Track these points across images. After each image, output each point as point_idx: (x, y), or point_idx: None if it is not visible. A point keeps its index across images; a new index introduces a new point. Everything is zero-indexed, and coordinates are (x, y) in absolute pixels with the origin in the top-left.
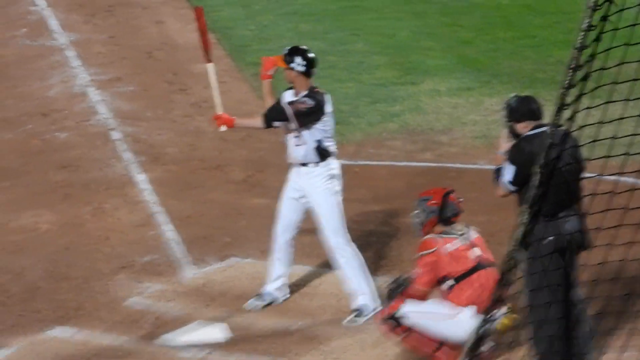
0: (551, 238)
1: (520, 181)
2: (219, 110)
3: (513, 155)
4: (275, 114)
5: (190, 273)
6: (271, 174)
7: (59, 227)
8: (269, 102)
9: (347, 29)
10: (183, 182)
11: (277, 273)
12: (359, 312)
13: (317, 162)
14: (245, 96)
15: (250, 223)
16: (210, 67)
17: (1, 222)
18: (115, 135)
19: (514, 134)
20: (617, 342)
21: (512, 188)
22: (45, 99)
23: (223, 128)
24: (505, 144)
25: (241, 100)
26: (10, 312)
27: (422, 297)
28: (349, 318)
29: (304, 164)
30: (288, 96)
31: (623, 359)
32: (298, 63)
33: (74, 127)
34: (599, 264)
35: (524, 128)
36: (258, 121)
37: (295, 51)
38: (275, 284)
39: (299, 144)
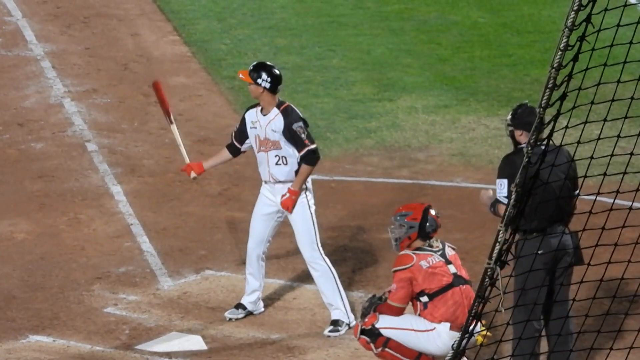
0: (539, 253)
1: None
2: (187, 161)
3: (504, 169)
4: (316, 155)
5: (166, 285)
6: (247, 188)
7: (34, 237)
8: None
9: (323, 44)
10: (159, 195)
11: (251, 287)
12: (335, 324)
13: (293, 179)
14: (220, 109)
15: (225, 236)
16: (173, 127)
17: None
18: (91, 146)
19: (514, 140)
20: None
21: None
22: (21, 109)
23: (193, 175)
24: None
25: (217, 114)
26: None
27: (397, 312)
28: (329, 328)
29: (280, 181)
30: (253, 115)
31: None
32: (264, 79)
33: (50, 137)
34: (577, 282)
35: (520, 136)
36: (309, 169)
37: (261, 67)
38: (249, 298)
39: (281, 164)
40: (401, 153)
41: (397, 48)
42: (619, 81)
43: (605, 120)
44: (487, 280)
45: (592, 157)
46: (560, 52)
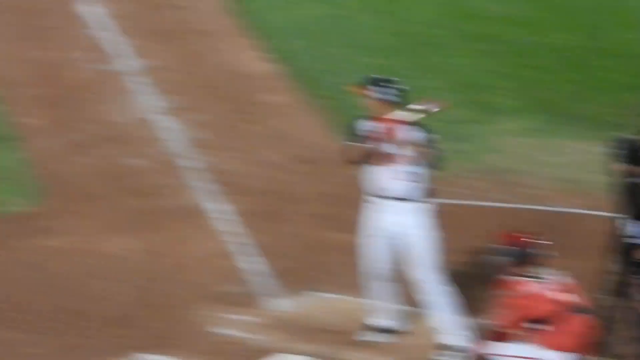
0: None
1: None
2: None
3: None
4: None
5: (276, 306)
6: (349, 208)
7: (140, 254)
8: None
9: (418, 65)
10: (263, 215)
11: (384, 309)
12: (445, 349)
13: (420, 199)
14: (314, 128)
15: (332, 257)
16: None
17: (81, 247)
18: (189, 163)
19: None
20: None
21: None
22: (116, 125)
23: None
24: None
25: (311, 133)
26: (96, 337)
27: (506, 338)
28: (441, 352)
29: (402, 199)
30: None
31: None
32: (389, 92)
33: (147, 154)
34: None
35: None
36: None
37: (383, 80)
38: (384, 321)
39: (407, 180)
40: (499, 176)
41: (492, 70)
42: None
43: None
44: (607, 311)
45: None
46: None
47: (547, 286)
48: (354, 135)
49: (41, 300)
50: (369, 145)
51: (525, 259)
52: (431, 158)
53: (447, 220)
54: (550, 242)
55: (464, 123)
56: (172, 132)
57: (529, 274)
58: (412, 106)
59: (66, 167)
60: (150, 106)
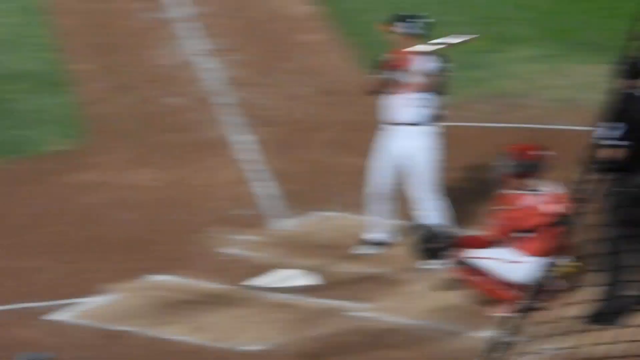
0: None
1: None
2: None
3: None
4: None
5: (280, 225)
6: (364, 134)
7: (164, 185)
8: None
9: (441, 2)
10: (282, 143)
11: (380, 224)
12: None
13: (427, 123)
14: (343, 65)
15: (339, 179)
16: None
17: (111, 180)
18: (223, 100)
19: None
20: None
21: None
22: (157, 67)
23: None
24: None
25: (338, 68)
26: (112, 261)
27: (489, 245)
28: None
29: (411, 124)
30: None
31: None
32: (413, 27)
33: (184, 92)
34: None
35: None
36: None
37: (408, 17)
38: (378, 234)
39: (417, 106)
40: (505, 100)
41: (510, 2)
42: None
43: None
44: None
45: None
46: None
47: (541, 199)
48: (375, 67)
49: (69, 229)
50: (384, 75)
51: (530, 170)
52: (440, 85)
53: (452, 142)
54: (553, 154)
55: (481, 53)
56: (212, 72)
57: (527, 187)
58: (436, 40)
59: (109, 108)
60: (195, 49)
